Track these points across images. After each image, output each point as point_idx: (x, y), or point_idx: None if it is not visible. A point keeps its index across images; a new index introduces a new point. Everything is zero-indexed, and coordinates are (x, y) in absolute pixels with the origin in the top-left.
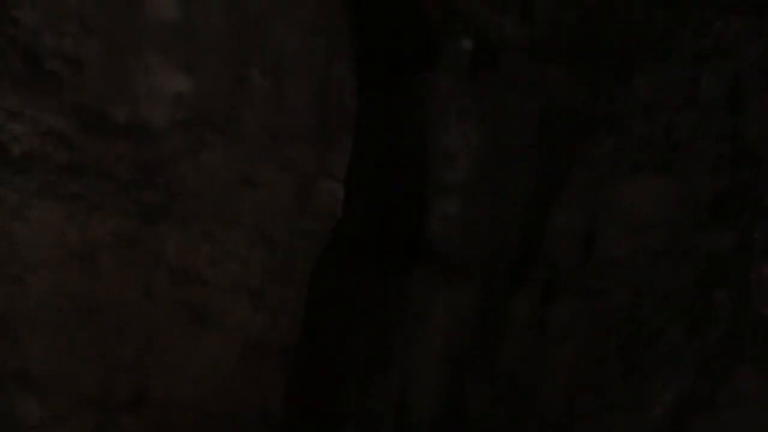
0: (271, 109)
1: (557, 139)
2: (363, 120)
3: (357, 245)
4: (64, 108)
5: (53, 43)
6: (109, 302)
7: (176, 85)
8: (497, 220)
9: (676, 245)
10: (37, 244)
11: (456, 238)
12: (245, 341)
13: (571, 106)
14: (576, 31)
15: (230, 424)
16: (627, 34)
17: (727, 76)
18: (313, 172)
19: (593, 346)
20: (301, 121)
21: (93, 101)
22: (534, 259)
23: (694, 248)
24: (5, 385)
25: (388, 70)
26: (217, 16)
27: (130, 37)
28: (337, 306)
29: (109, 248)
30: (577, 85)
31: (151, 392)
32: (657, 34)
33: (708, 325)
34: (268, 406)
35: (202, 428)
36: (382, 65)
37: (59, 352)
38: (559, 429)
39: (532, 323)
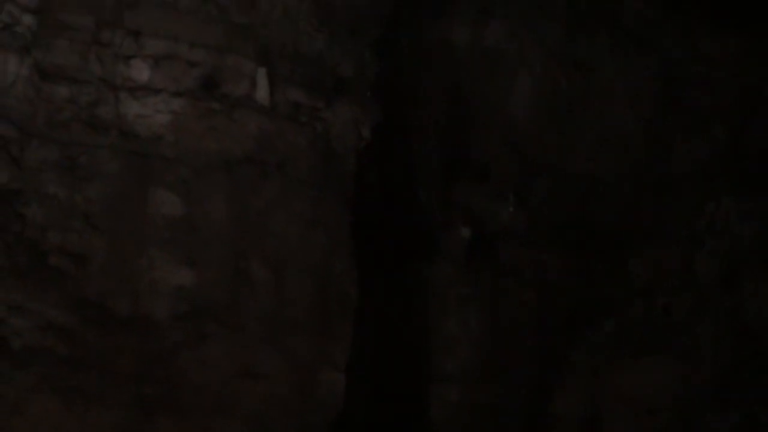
0: (272, 299)
1: (557, 324)
2: (363, 308)
3: None
4: (66, 302)
5: (58, 240)
6: None
7: (178, 278)
8: (498, 407)
9: (680, 429)
10: None
11: (457, 425)
12: None
13: (569, 290)
14: (570, 218)
15: None
16: (620, 219)
17: (722, 256)
18: (313, 363)
19: None
20: (302, 312)
21: (96, 295)
22: None
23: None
24: None
25: (387, 260)
26: (219, 210)
27: (135, 232)
28: None
29: None
30: (575, 270)
31: None
32: (650, 217)
33: None
34: None
35: None
36: (382, 255)
37: None
38: None
39: None
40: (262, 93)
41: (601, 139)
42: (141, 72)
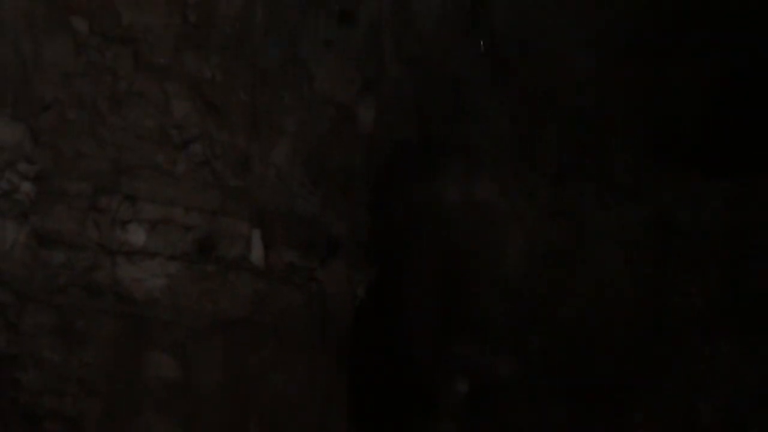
0: None
1: None
2: None
3: None
4: None
5: (53, 405)
6: None
7: None
8: None
9: None
10: None
11: None
12: None
13: None
14: (568, 367)
15: None
16: (618, 368)
17: (724, 401)
18: None
19: None
20: None
21: None
22: None
23: None
24: None
25: (386, 418)
26: (214, 372)
27: (130, 395)
28: None
29: None
30: (576, 421)
31: None
32: (648, 365)
33: None
34: None
35: None
36: (381, 413)
37: None
38: None
39: None
40: (257, 255)
41: (596, 288)
42: (137, 236)
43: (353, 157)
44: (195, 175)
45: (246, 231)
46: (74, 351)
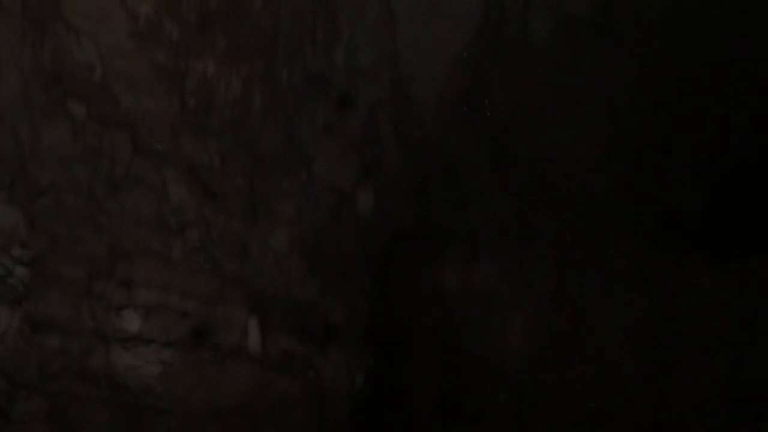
0: None
1: None
2: None
3: None
4: None
5: None
6: None
7: None
8: None
9: None
10: None
11: None
12: None
13: None
14: None
15: None
16: None
17: None
18: None
19: None
20: None
21: None
22: None
23: None
24: None
25: None
26: None
27: None
28: None
29: None
30: None
31: None
32: None
33: None
34: None
35: None
36: None
37: None
38: None
39: None
40: (253, 342)
41: (598, 376)
42: (132, 322)
43: (352, 243)
44: (191, 261)
45: (243, 318)
46: None
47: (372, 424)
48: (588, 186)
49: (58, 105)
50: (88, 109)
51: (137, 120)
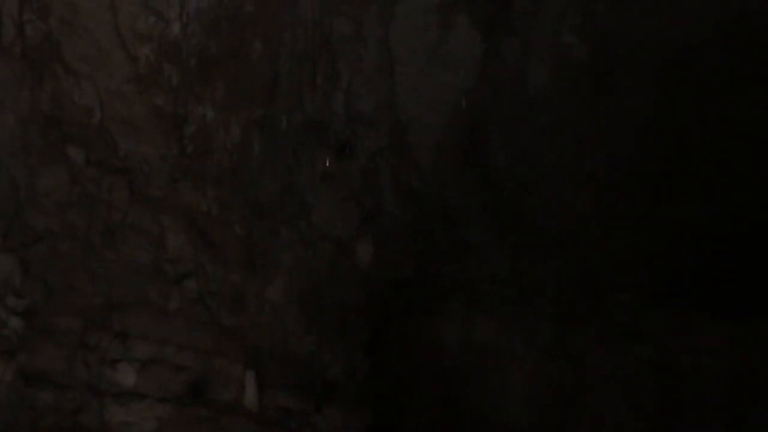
0: None
1: None
2: None
3: None
4: None
5: None
6: None
7: None
8: None
9: None
10: None
11: None
12: None
13: None
14: None
15: None
16: None
17: None
18: None
19: None
20: None
21: None
22: None
23: None
24: None
25: None
26: None
27: None
28: None
29: None
30: None
31: None
32: None
33: None
34: None
35: None
36: None
37: None
38: None
39: None
40: (250, 398)
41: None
42: (127, 376)
43: (351, 294)
44: (188, 313)
45: (240, 373)
46: None
47: None
48: (586, 237)
49: (56, 149)
50: (87, 153)
51: (135, 165)
